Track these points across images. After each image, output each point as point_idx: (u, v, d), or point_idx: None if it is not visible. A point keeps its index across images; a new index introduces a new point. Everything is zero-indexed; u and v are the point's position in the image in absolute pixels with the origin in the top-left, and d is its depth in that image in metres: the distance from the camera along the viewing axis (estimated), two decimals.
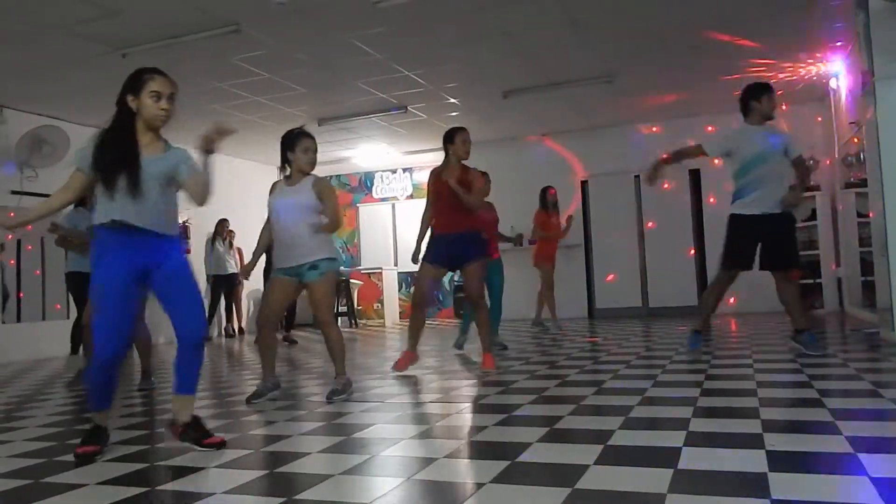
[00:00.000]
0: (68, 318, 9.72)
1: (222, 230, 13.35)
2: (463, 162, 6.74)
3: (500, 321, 8.63)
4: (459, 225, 6.58)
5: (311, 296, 5.40)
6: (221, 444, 3.78)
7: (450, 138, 6.74)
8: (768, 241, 6.37)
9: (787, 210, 6.42)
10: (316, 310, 5.43)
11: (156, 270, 3.73)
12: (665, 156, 6.81)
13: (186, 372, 3.89)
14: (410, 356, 6.77)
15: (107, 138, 3.78)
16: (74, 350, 8.14)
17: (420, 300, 6.78)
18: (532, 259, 10.91)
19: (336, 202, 5.51)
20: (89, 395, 3.86)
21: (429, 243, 6.73)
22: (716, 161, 12.93)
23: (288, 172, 5.57)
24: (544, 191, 10.78)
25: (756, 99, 6.49)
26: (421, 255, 6.73)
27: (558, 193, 11.17)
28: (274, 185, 5.62)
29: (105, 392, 3.81)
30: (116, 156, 3.69)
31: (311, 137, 5.54)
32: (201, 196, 3.87)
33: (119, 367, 3.77)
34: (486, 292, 8.22)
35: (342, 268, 16.69)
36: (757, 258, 6.50)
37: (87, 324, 6.95)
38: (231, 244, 13.79)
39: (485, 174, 8.56)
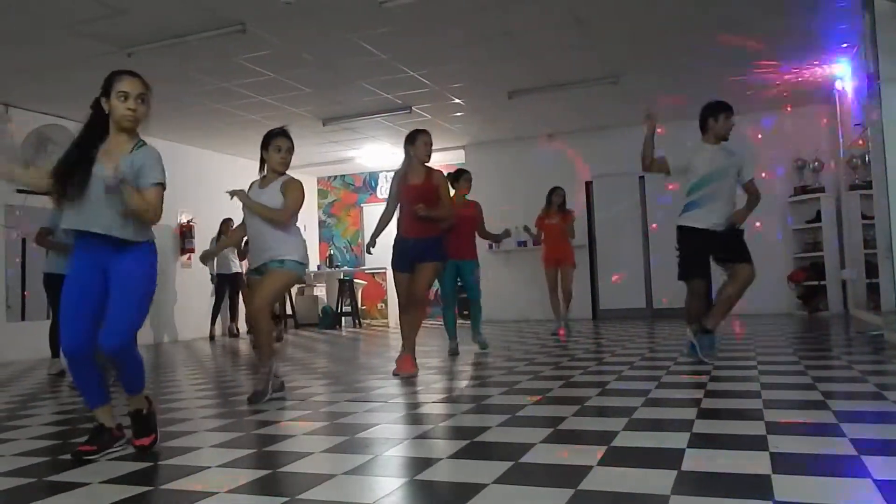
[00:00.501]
0: (47, 318, 9.63)
1: (226, 229, 13.36)
2: (426, 164, 6.75)
3: (480, 320, 8.64)
4: (421, 231, 6.57)
5: (262, 281, 5.37)
6: (148, 448, 3.83)
7: (411, 140, 6.73)
8: (719, 249, 6.34)
9: (734, 226, 6.37)
10: (257, 296, 5.34)
11: (110, 270, 3.72)
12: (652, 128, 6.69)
13: (120, 376, 3.91)
14: (408, 359, 6.61)
15: (69, 147, 3.81)
16: (55, 353, 8.10)
17: (406, 304, 6.76)
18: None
19: (295, 199, 5.42)
20: (80, 393, 3.92)
21: (393, 247, 6.78)
22: None
23: (265, 173, 5.58)
24: (550, 191, 10.76)
25: (713, 117, 6.45)
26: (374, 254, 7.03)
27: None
28: (250, 186, 5.62)
29: (91, 387, 3.82)
30: (64, 166, 3.70)
31: (287, 136, 5.50)
32: (137, 211, 3.68)
33: (92, 361, 3.74)
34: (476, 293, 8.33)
35: (345, 268, 16.72)
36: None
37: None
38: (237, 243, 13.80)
39: (465, 171, 8.59)
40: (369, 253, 7.11)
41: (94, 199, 3.64)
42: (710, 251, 6.37)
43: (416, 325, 6.73)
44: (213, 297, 13.46)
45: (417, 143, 6.68)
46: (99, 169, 3.65)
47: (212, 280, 13.28)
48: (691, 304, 6.50)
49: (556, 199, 10.63)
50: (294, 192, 5.43)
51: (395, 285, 6.84)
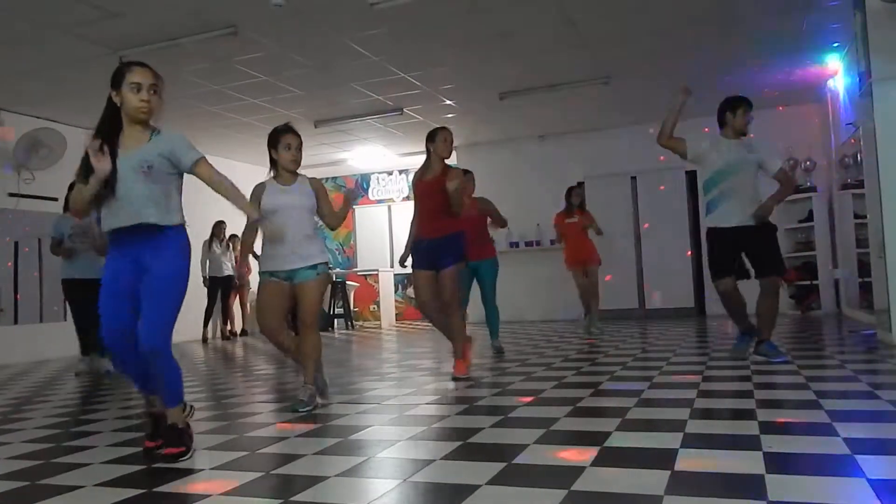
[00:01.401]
0: (64, 319, 9.68)
1: (219, 232, 13.33)
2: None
3: (498, 323, 8.33)
4: (440, 230, 6.41)
5: (304, 296, 5.14)
6: (176, 458, 3.65)
7: (431, 137, 6.61)
8: (750, 250, 6.25)
9: (763, 221, 6.22)
10: (304, 311, 5.15)
11: (145, 265, 3.71)
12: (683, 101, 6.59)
13: (157, 384, 3.86)
14: (459, 361, 6.47)
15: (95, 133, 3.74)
16: (84, 351, 8.22)
17: (425, 309, 6.58)
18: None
19: (331, 206, 5.37)
20: (132, 381, 4.00)
21: (413, 250, 6.62)
22: None
23: (273, 173, 5.38)
24: (568, 190, 10.63)
25: (731, 111, 6.39)
26: (408, 262, 6.62)
27: (555, 195, 11.18)
28: (263, 186, 5.35)
29: (136, 371, 3.86)
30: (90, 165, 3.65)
31: (295, 133, 5.32)
32: (220, 185, 3.94)
33: (131, 346, 3.70)
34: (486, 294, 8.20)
35: (338, 269, 16.72)
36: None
37: None
38: (229, 246, 13.77)
39: (468, 172, 8.54)
40: (402, 266, 6.86)
41: (122, 193, 3.65)
42: (740, 249, 6.23)
43: (461, 329, 6.59)
44: (207, 300, 13.42)
45: (437, 139, 6.55)
46: (123, 163, 3.66)
47: (203, 283, 13.23)
48: (727, 304, 6.43)
49: (575, 199, 10.47)
50: (327, 194, 5.39)
51: (415, 285, 6.58)
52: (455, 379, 6.19)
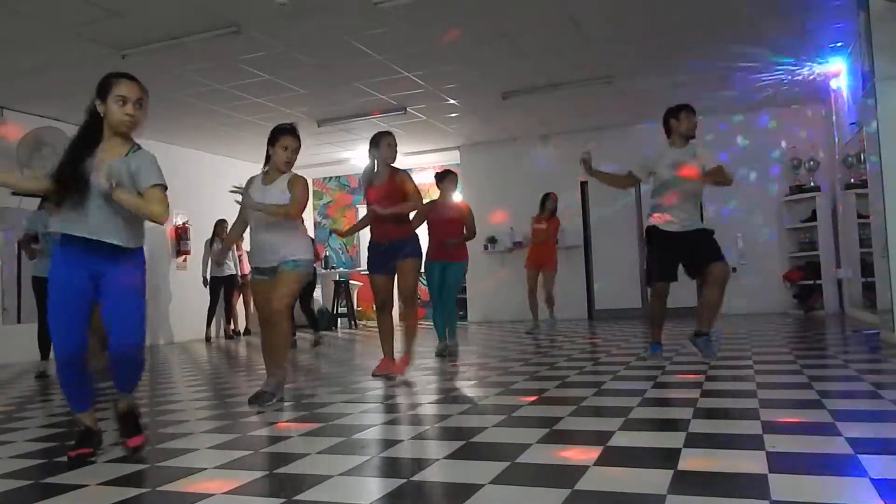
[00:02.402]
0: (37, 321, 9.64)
1: (221, 231, 13.27)
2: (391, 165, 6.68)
3: (455, 326, 8.41)
4: (394, 233, 6.55)
5: (277, 282, 5.27)
6: (140, 448, 3.80)
7: (375, 143, 6.69)
8: (689, 253, 6.26)
9: (703, 227, 6.40)
10: (275, 298, 5.25)
11: (104, 277, 3.69)
12: (589, 169, 6.76)
13: (120, 376, 3.90)
14: (388, 363, 6.62)
15: (66, 151, 3.73)
16: (45, 355, 8.11)
17: (381, 306, 6.77)
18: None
19: (303, 193, 5.35)
20: (66, 398, 3.91)
21: (368, 252, 6.78)
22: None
23: (266, 168, 5.46)
24: (544, 196, 10.98)
25: (674, 118, 6.50)
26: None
27: (558, 196, 11.22)
28: (251, 180, 5.49)
29: (81, 392, 3.83)
30: (64, 173, 3.64)
31: (295, 136, 5.39)
32: (150, 212, 3.74)
33: (84, 365, 3.74)
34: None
35: (341, 269, 16.71)
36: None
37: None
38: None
39: (450, 172, 8.53)
40: (338, 235, 7.41)
41: (95, 206, 3.62)
42: (682, 254, 6.29)
43: (413, 328, 6.70)
44: (209, 299, 13.39)
45: (381, 145, 6.63)
46: (95, 177, 3.62)
47: (204, 283, 13.15)
48: (655, 307, 6.61)
49: (549, 205, 10.85)
50: (300, 186, 5.36)
51: (373, 289, 6.75)
52: (389, 378, 6.33)
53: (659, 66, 10.16)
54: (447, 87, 10.91)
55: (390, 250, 6.52)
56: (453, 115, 12.42)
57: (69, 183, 3.61)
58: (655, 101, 11.95)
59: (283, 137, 5.34)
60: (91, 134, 3.74)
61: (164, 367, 8.69)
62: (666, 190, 6.35)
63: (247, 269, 14.33)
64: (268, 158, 5.44)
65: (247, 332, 14.57)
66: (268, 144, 5.40)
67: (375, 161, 6.68)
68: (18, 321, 10.66)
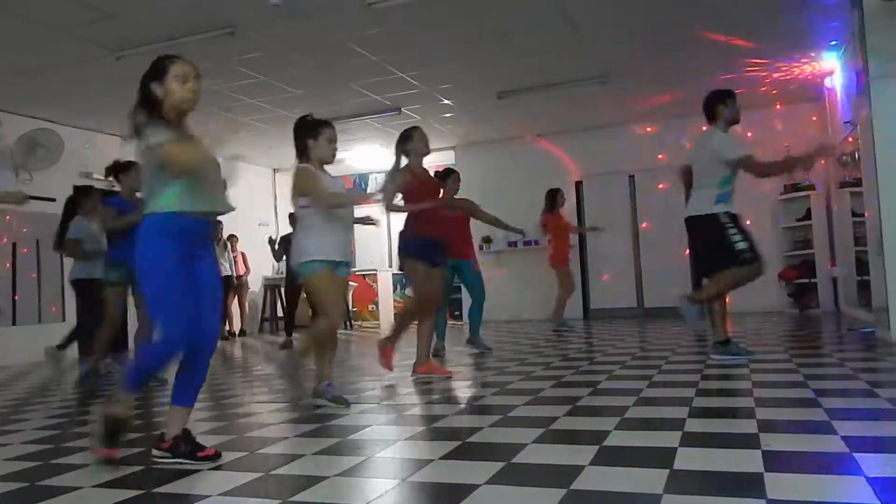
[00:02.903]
0: (63, 320, 9.67)
1: (233, 246, 13.23)
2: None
3: (480, 322, 8.73)
4: (444, 231, 6.61)
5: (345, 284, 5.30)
6: (217, 456, 3.56)
7: (408, 137, 6.43)
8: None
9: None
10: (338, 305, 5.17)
11: (200, 260, 3.61)
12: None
13: (195, 382, 3.68)
14: (431, 365, 6.54)
15: (157, 130, 3.54)
16: (85, 354, 8.12)
17: (436, 303, 6.59)
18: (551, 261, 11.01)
19: None
20: (132, 375, 3.60)
21: (418, 245, 6.37)
22: None
23: (306, 162, 5.16)
24: (556, 192, 10.89)
25: (723, 103, 6.48)
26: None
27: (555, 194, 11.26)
28: (311, 170, 5.11)
29: (191, 383, 3.63)
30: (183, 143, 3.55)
31: (333, 128, 5.22)
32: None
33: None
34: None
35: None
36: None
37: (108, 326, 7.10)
38: (227, 246, 13.74)
39: (453, 171, 8.48)
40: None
41: (211, 179, 3.66)
42: None
43: (430, 329, 6.67)
44: None
45: (415, 137, 6.41)
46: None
47: None
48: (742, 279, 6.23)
49: (560, 199, 10.93)
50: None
51: (422, 281, 6.32)
52: (429, 380, 6.26)
53: (653, 66, 10.17)
54: (442, 88, 10.91)
55: (440, 246, 6.44)
56: (448, 115, 12.41)
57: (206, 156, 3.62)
58: (650, 101, 12.06)
59: (326, 130, 5.14)
60: (161, 115, 3.63)
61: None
62: (734, 178, 6.32)
63: (241, 269, 14.34)
64: (302, 151, 5.18)
65: (242, 333, 14.55)
66: (305, 137, 5.13)
67: (407, 156, 6.44)
68: (14, 323, 10.65)
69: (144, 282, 3.49)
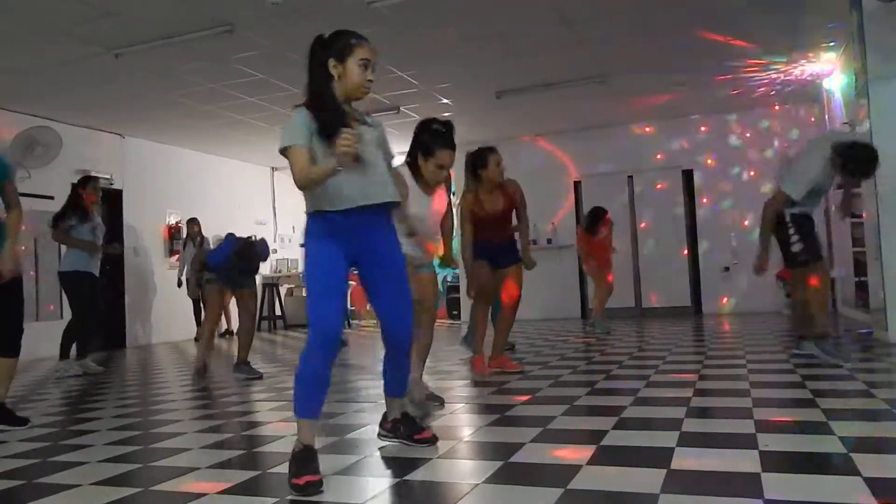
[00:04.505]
0: (61, 318, 9.65)
1: (192, 231, 12.80)
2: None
3: None
4: (502, 235, 6.61)
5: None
6: (434, 440, 3.59)
7: (483, 162, 6.31)
8: None
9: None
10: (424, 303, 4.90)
11: (375, 245, 3.35)
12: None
13: (399, 371, 3.60)
14: (504, 359, 6.59)
15: (322, 105, 3.32)
16: (80, 354, 8.10)
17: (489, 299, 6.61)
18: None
19: None
20: (298, 399, 3.21)
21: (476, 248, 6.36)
22: (708, 161, 13.05)
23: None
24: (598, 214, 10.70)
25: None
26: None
27: (552, 194, 11.21)
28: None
29: (323, 390, 3.23)
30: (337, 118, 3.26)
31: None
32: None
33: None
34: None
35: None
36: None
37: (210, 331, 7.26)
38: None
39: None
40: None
41: (370, 167, 3.33)
42: None
43: (508, 327, 6.77)
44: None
45: (490, 164, 6.26)
46: (365, 133, 3.37)
47: (178, 284, 12.80)
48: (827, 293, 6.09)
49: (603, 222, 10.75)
50: None
51: (478, 275, 6.33)
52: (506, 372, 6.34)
53: (652, 65, 10.17)
54: (441, 87, 10.91)
55: (498, 249, 6.49)
56: (447, 115, 12.38)
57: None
58: (649, 101, 12.07)
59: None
60: (330, 93, 3.38)
61: (156, 367, 8.67)
62: (818, 198, 6.14)
63: None
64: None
65: None
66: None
67: (477, 181, 6.34)
68: None
69: None
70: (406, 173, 4.74)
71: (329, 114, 3.27)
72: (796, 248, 5.94)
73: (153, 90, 10.03)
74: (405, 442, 3.58)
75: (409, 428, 3.62)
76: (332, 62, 3.32)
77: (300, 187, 3.17)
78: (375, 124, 3.55)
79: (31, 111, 10.77)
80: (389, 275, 3.39)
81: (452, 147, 4.68)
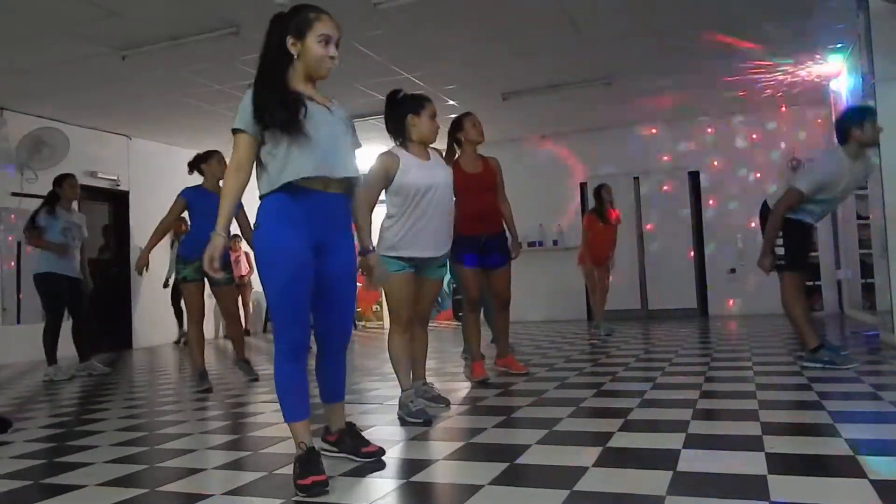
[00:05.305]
0: (67, 319, 9.65)
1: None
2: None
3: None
4: (491, 227, 6.20)
5: (428, 291, 4.80)
6: (380, 453, 3.40)
7: (458, 125, 6.23)
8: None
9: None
10: (423, 306, 4.82)
11: (329, 245, 3.18)
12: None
13: (334, 377, 3.51)
14: (511, 358, 6.49)
15: (263, 87, 3.15)
16: (53, 359, 8.04)
17: (477, 304, 6.20)
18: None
19: None
20: (283, 405, 3.23)
21: (457, 243, 5.33)
22: (715, 163, 13.03)
23: (398, 143, 4.75)
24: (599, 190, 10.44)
25: (859, 126, 5.67)
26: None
27: (558, 195, 11.17)
28: (394, 156, 4.68)
29: (303, 392, 3.24)
30: (286, 98, 3.09)
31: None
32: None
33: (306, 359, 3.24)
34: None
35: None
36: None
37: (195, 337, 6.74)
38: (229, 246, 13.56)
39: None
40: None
41: (330, 140, 3.16)
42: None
43: (505, 329, 6.57)
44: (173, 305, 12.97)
45: (465, 125, 6.17)
46: (324, 114, 3.19)
47: (164, 285, 12.75)
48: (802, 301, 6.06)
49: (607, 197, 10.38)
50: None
51: (467, 282, 6.00)
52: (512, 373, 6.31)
53: (658, 67, 10.16)
54: (447, 88, 10.90)
55: (488, 245, 6.06)
56: (453, 116, 12.36)
57: (291, 110, 3.08)
58: (655, 103, 12.06)
59: (429, 105, 4.67)
60: (279, 71, 3.17)
61: (163, 368, 8.68)
62: (826, 206, 5.93)
63: (244, 269, 14.29)
64: (399, 132, 4.76)
65: (246, 332, 14.49)
66: (409, 114, 4.66)
67: (459, 146, 6.29)
68: (18, 321, 10.66)
69: None
70: (402, 153, 4.67)
71: (272, 96, 3.11)
72: (779, 251, 5.90)
73: (160, 91, 10.05)
74: (351, 457, 3.40)
75: (356, 441, 3.43)
76: (290, 40, 3.13)
77: (224, 178, 3.24)
78: (339, 111, 3.32)
79: (38, 112, 10.80)
80: (342, 272, 3.26)
81: (429, 99, 4.70)
